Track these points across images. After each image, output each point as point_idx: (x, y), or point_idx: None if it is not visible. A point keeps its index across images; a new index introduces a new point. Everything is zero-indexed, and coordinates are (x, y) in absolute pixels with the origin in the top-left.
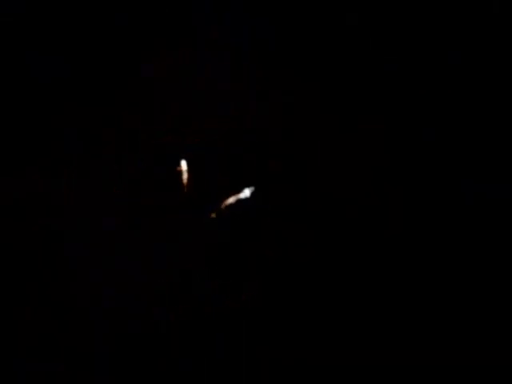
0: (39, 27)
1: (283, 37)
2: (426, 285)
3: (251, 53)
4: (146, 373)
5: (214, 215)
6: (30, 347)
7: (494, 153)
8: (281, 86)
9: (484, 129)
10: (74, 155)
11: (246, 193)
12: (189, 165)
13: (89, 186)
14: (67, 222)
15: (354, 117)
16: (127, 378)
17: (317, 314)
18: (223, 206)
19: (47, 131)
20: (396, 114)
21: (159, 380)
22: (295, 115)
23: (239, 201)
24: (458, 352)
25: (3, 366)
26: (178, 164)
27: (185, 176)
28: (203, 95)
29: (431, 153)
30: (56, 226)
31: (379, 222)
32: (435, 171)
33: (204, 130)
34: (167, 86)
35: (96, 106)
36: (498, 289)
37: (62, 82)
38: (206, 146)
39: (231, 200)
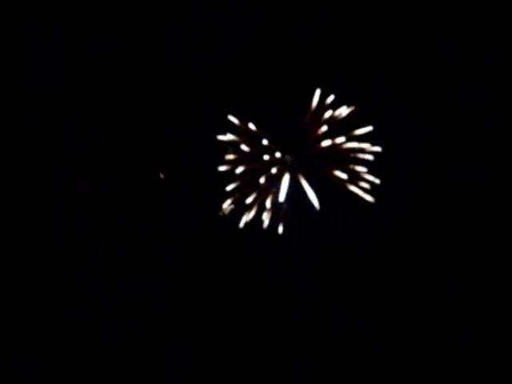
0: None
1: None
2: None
3: (250, 57)
4: (145, 370)
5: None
6: (30, 347)
7: (476, 146)
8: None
9: (469, 127)
10: (72, 156)
11: (229, 207)
12: (173, 172)
13: (86, 187)
14: (66, 222)
15: (352, 116)
16: (126, 376)
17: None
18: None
19: (45, 133)
20: (393, 112)
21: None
22: (293, 118)
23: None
24: None
25: (3, 366)
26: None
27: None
28: (200, 97)
29: (426, 146)
30: (55, 226)
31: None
32: (430, 160)
33: (197, 136)
34: (165, 88)
35: (95, 107)
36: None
37: (60, 85)
38: (198, 153)
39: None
